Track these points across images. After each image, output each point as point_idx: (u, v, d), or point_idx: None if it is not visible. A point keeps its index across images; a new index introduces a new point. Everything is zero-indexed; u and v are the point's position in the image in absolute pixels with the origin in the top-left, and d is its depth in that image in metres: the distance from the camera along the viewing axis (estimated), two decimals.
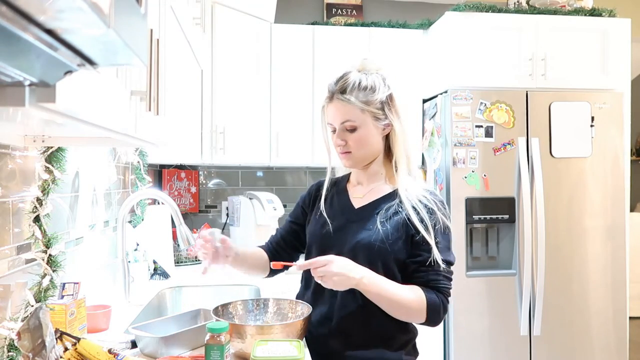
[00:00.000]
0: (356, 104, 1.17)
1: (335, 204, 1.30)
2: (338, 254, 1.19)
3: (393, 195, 1.22)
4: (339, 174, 1.39)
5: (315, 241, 1.27)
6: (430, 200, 1.19)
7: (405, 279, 1.19)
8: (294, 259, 1.39)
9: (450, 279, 1.18)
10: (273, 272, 1.36)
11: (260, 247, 1.40)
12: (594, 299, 2.53)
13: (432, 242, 1.15)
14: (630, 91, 2.69)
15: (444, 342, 2.52)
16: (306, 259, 1.33)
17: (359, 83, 1.18)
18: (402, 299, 1.12)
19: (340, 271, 1.07)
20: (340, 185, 1.34)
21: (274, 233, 1.44)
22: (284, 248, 1.38)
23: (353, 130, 1.19)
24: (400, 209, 1.18)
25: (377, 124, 1.20)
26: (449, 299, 1.18)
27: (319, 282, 1.09)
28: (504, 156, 2.48)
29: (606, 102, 2.55)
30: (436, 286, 1.15)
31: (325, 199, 1.31)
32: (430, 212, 1.17)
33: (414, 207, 1.17)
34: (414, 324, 1.25)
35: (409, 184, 1.21)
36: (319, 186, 1.37)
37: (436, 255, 1.14)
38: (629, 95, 2.67)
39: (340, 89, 1.18)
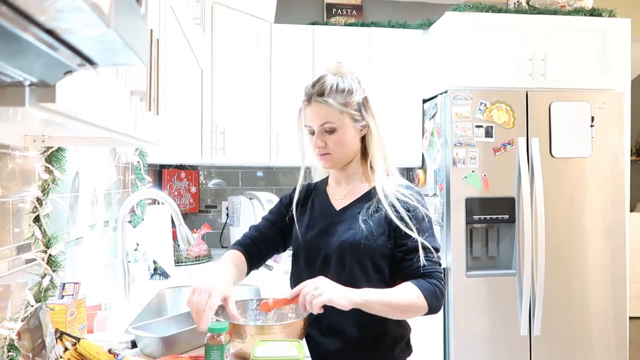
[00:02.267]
0: (335, 106, 1.19)
1: (316, 207, 1.31)
2: (325, 256, 1.22)
3: (371, 193, 1.24)
4: (316, 173, 1.39)
5: (301, 246, 1.28)
6: (407, 195, 1.21)
7: (394, 271, 1.20)
8: (270, 255, 1.37)
9: (440, 264, 1.19)
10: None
11: (235, 247, 1.32)
12: (594, 299, 2.53)
13: (414, 234, 1.16)
14: (630, 91, 2.69)
15: (444, 342, 2.52)
16: (293, 265, 1.34)
17: (337, 86, 1.20)
18: (401, 303, 1.11)
19: (332, 287, 1.07)
20: (320, 188, 1.36)
21: (247, 230, 1.39)
22: (262, 242, 1.33)
23: (332, 131, 1.21)
24: (379, 206, 1.21)
25: (355, 125, 1.23)
26: (443, 284, 1.17)
27: (313, 308, 1.05)
28: (504, 156, 2.48)
29: (606, 102, 2.55)
30: (426, 272, 1.15)
31: (304, 203, 1.33)
32: (409, 207, 1.19)
33: (391, 205, 1.19)
34: (407, 321, 1.27)
35: (384, 182, 1.22)
36: (300, 193, 1.36)
37: (420, 243, 1.16)
38: (629, 95, 2.67)
39: (318, 92, 1.21)
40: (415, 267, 1.16)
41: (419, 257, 1.16)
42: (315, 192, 1.35)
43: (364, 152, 1.28)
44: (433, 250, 1.17)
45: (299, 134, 1.29)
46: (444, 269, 2.50)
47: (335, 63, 1.25)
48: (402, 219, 1.17)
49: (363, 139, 1.26)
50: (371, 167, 1.26)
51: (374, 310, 1.10)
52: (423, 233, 1.18)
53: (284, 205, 1.38)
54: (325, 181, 1.37)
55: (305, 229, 1.28)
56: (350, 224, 1.22)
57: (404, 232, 1.17)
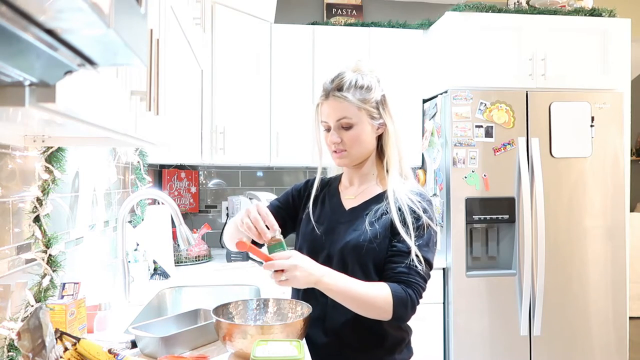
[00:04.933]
0: (353, 102, 1.18)
1: (327, 205, 1.30)
2: (328, 255, 1.21)
3: (382, 196, 1.22)
4: (331, 174, 1.38)
5: (305, 242, 1.27)
6: (415, 202, 1.18)
7: (380, 272, 1.17)
8: None
9: (425, 279, 1.15)
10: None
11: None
12: (594, 299, 2.53)
13: (410, 242, 1.13)
14: (630, 91, 2.69)
15: (444, 342, 2.52)
16: None
17: (356, 82, 1.19)
18: (367, 296, 1.09)
19: (303, 266, 1.06)
20: (332, 186, 1.34)
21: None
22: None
23: (348, 128, 1.20)
24: (388, 210, 1.19)
25: (372, 123, 1.21)
26: (419, 299, 1.14)
27: (278, 280, 1.05)
28: (504, 156, 2.48)
29: (606, 102, 2.55)
30: (406, 280, 1.12)
31: (316, 200, 1.32)
32: (415, 214, 1.17)
33: (399, 208, 1.17)
34: (407, 323, 1.25)
35: (398, 186, 1.20)
36: (312, 185, 1.36)
37: (414, 253, 1.13)
38: (629, 95, 2.67)
39: (337, 87, 1.19)
40: (397, 271, 1.13)
41: (404, 263, 1.13)
42: (327, 189, 1.34)
43: (380, 153, 1.27)
44: (423, 262, 1.14)
45: (316, 131, 1.27)
46: (443, 269, 2.50)
47: (354, 61, 1.23)
48: (405, 223, 1.15)
49: (379, 139, 1.25)
50: (386, 170, 1.24)
51: (332, 295, 1.09)
52: (418, 242, 1.15)
53: (294, 196, 1.37)
54: (338, 178, 1.36)
55: (313, 225, 1.26)
56: (357, 225, 1.20)
57: (401, 235, 1.15)
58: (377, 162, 1.28)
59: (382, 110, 1.21)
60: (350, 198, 1.28)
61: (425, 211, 1.18)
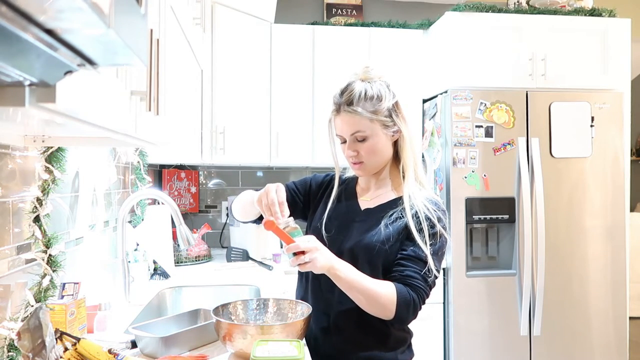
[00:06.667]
0: (365, 115, 1.18)
1: (342, 203, 1.31)
2: (339, 252, 1.20)
3: (398, 201, 1.23)
4: (350, 173, 1.39)
5: (317, 236, 1.27)
6: (431, 210, 1.18)
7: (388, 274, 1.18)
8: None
9: (430, 287, 1.16)
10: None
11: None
12: (594, 299, 2.53)
13: (425, 249, 1.14)
14: (630, 91, 2.69)
15: (444, 342, 2.52)
16: None
17: (365, 93, 1.18)
18: (373, 290, 1.10)
19: (321, 248, 1.09)
20: (349, 185, 1.36)
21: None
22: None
23: (364, 140, 1.20)
24: (403, 214, 1.19)
25: (386, 132, 1.21)
26: (421, 304, 1.15)
27: (298, 263, 1.07)
28: (504, 156, 2.48)
29: (606, 102, 2.55)
30: (412, 283, 1.13)
31: (331, 194, 1.33)
32: (430, 222, 1.17)
33: (415, 214, 1.18)
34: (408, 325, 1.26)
35: (414, 192, 1.21)
36: (331, 181, 1.37)
37: (427, 260, 1.14)
38: (629, 95, 2.67)
39: (347, 101, 1.19)
40: (405, 274, 1.14)
41: (414, 267, 1.14)
42: (344, 187, 1.35)
43: (395, 158, 1.27)
44: (434, 270, 1.15)
45: (331, 145, 1.28)
46: (444, 269, 2.51)
47: (362, 67, 1.22)
48: (420, 230, 1.16)
49: (395, 144, 1.25)
50: (402, 175, 1.25)
51: (339, 282, 1.11)
52: (430, 251, 1.16)
53: (312, 186, 1.39)
54: (355, 179, 1.37)
55: (325, 220, 1.27)
56: (370, 226, 1.21)
57: (415, 241, 1.15)
58: (393, 167, 1.28)
59: (395, 117, 1.21)
60: (366, 200, 1.29)
61: (439, 220, 1.19)
